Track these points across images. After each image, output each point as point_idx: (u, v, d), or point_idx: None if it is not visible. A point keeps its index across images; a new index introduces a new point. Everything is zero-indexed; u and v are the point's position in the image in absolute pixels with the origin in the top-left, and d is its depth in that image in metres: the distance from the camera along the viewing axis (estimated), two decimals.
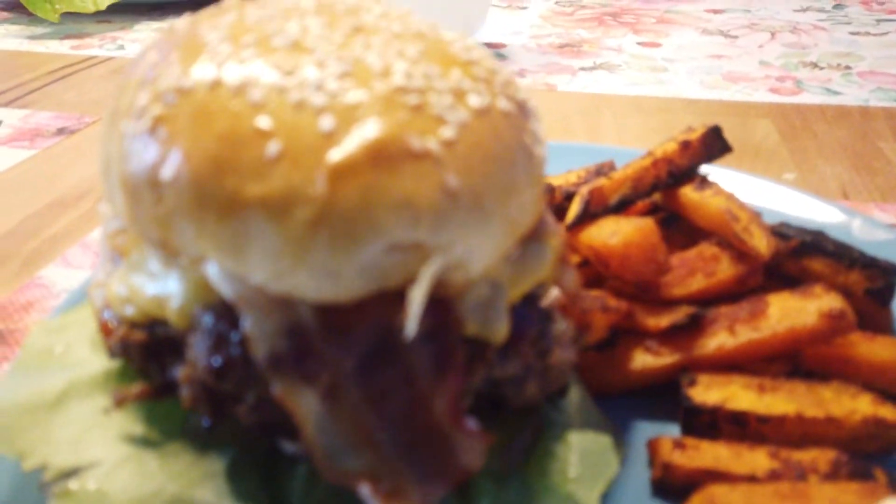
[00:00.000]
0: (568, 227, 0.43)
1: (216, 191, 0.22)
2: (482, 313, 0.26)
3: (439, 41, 0.28)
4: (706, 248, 0.41)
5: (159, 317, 0.27)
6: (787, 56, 1.02)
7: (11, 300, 0.49)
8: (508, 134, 0.26)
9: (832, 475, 0.31)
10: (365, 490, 0.23)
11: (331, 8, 0.28)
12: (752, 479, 0.31)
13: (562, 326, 0.30)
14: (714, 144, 0.46)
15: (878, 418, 0.34)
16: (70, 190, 0.65)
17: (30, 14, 1.14)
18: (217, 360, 0.24)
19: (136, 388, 0.28)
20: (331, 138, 0.22)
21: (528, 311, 0.29)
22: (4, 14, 1.21)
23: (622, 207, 0.44)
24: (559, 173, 0.53)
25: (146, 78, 0.25)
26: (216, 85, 0.24)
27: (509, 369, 0.28)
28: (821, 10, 1.25)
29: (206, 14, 0.27)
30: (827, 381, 0.36)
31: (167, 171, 0.23)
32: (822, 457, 0.32)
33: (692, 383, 0.36)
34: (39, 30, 1.12)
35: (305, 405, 0.24)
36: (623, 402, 0.38)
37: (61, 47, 1.05)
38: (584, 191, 0.43)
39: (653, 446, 0.34)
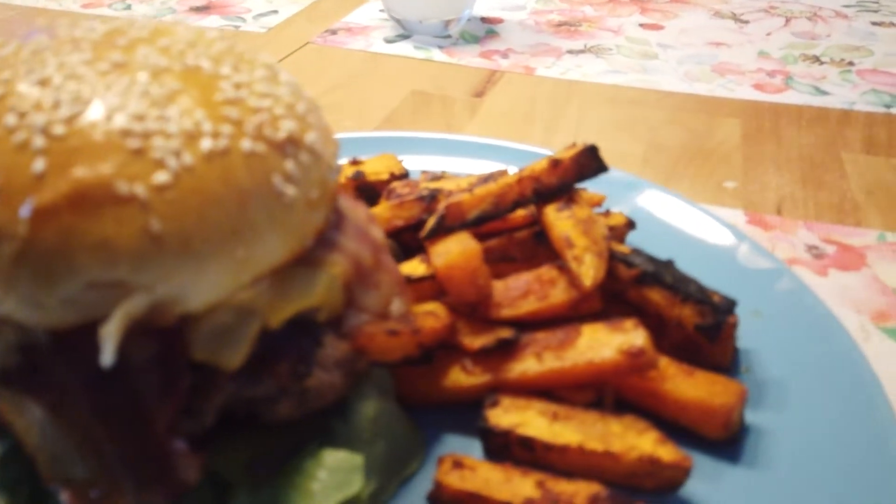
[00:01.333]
0: (423, 239, 0.44)
1: None
2: (217, 339, 0.28)
3: (210, 78, 0.29)
4: (546, 272, 0.41)
5: None
6: (790, 47, 0.97)
7: None
8: (245, 177, 0.27)
9: None
10: (64, 499, 0.26)
11: (111, 40, 0.30)
12: None
13: (332, 350, 0.32)
14: (588, 164, 0.45)
15: (654, 458, 0.34)
16: None
17: None
18: None
19: None
20: (40, 180, 0.25)
21: (287, 335, 0.31)
22: None
23: (481, 222, 0.44)
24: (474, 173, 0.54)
25: None
26: None
27: (259, 390, 0.30)
28: None
29: None
30: (624, 413, 0.37)
31: None
32: (584, 489, 0.33)
33: (494, 404, 0.37)
34: None
35: (29, 416, 0.27)
36: (441, 417, 0.39)
37: (73, 5, 1.10)
38: (441, 205, 0.44)
39: (439, 462, 0.36)
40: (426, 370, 0.39)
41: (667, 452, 0.35)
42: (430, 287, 0.42)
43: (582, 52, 0.96)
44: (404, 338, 0.35)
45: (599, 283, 0.39)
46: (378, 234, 0.39)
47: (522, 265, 0.44)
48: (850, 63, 0.93)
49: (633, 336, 0.37)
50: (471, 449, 0.37)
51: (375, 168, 0.56)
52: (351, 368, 0.33)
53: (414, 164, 0.58)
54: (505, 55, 0.95)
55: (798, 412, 0.38)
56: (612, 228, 0.50)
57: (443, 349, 0.39)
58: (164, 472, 0.27)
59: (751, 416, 0.39)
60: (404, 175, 0.56)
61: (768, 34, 1.03)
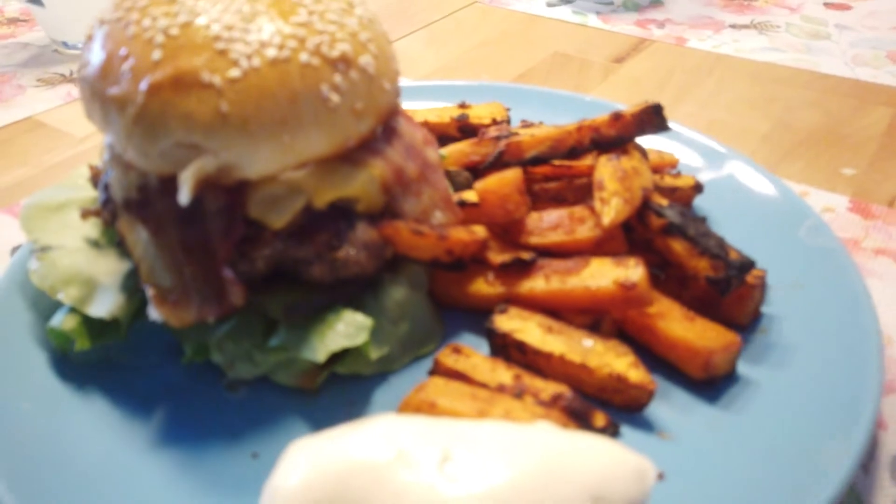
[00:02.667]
0: (482, 170, 0.50)
1: (98, 88, 0.36)
2: (268, 204, 0.37)
3: (292, 5, 0.37)
4: (578, 210, 0.46)
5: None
6: None
7: None
8: (297, 81, 0.36)
9: (547, 403, 0.37)
10: (150, 297, 0.37)
11: None
12: (481, 385, 0.39)
13: (362, 234, 0.40)
14: (650, 121, 0.48)
15: (623, 376, 0.38)
16: None
17: None
18: (105, 194, 0.39)
19: (95, 208, 0.44)
20: (156, 65, 0.35)
21: (327, 215, 0.39)
22: None
23: (537, 163, 0.49)
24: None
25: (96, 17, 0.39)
26: (120, 19, 0.37)
27: (299, 253, 0.39)
28: None
29: None
30: (620, 343, 0.40)
31: (84, 71, 0.37)
32: (551, 388, 0.38)
33: (502, 312, 0.43)
34: None
35: (138, 235, 0.38)
36: (467, 317, 0.46)
37: None
38: (502, 143, 0.49)
39: (447, 348, 0.42)
40: (458, 277, 0.45)
41: (635, 374, 0.38)
42: (478, 212, 0.48)
43: (746, 27, 0.93)
44: (430, 240, 0.42)
45: (618, 224, 0.43)
46: (433, 155, 0.46)
47: (569, 205, 0.49)
48: None
49: (632, 272, 0.40)
50: (480, 346, 0.43)
51: (480, 113, 0.62)
52: (377, 253, 0.41)
53: (520, 114, 0.64)
54: (661, 25, 0.95)
55: (790, 376, 0.40)
56: (678, 189, 0.52)
57: (475, 262, 0.45)
58: (219, 295, 0.37)
59: (746, 370, 0.41)
60: (506, 122, 0.62)
61: None
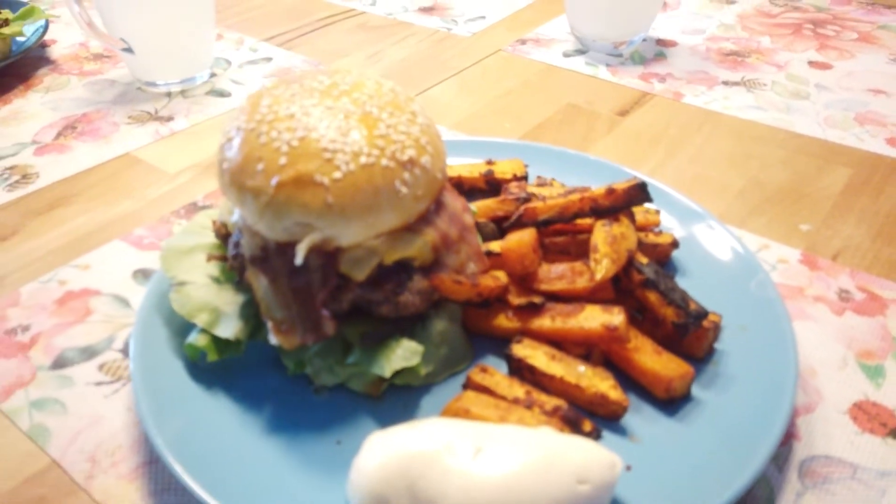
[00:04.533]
0: (505, 228, 0.64)
1: (237, 180, 0.51)
2: (354, 263, 0.52)
3: (375, 120, 0.52)
4: (578, 265, 0.60)
5: (224, 221, 0.57)
6: None
7: None
8: (380, 180, 0.50)
9: (550, 413, 0.52)
10: (270, 327, 0.52)
11: (330, 91, 0.54)
12: (501, 398, 0.53)
13: (418, 283, 0.54)
14: (636, 196, 0.62)
15: (605, 395, 0.53)
16: None
17: None
18: (235, 251, 0.54)
19: (217, 253, 0.59)
20: (282, 167, 0.49)
21: (394, 269, 0.54)
22: None
23: (547, 224, 0.64)
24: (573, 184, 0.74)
25: (232, 118, 0.54)
26: (254, 129, 0.52)
27: (373, 297, 0.54)
28: None
29: (269, 88, 0.55)
30: (602, 369, 0.55)
31: (225, 165, 0.52)
32: (553, 401, 0.53)
33: (518, 342, 0.57)
34: None
35: (259, 282, 0.52)
36: (491, 344, 0.60)
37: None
38: (521, 207, 0.64)
39: (476, 367, 0.57)
40: (485, 312, 0.60)
41: (615, 394, 0.53)
42: (499, 261, 0.62)
43: (736, 84, 1.07)
44: (465, 287, 0.57)
45: (609, 281, 0.57)
46: (468, 219, 0.60)
47: (575, 259, 0.63)
48: None
49: (615, 318, 0.55)
50: (500, 366, 0.58)
51: (503, 169, 0.77)
52: (427, 296, 0.55)
53: (536, 170, 0.78)
54: (662, 79, 1.09)
55: (729, 398, 0.54)
56: (659, 245, 0.67)
57: (498, 301, 0.60)
58: (316, 326, 0.52)
59: (698, 392, 0.55)
60: (524, 177, 0.77)
61: None
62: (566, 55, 1.16)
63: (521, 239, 0.60)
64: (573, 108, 1.01)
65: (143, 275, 0.71)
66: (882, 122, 0.96)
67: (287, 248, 0.51)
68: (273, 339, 0.52)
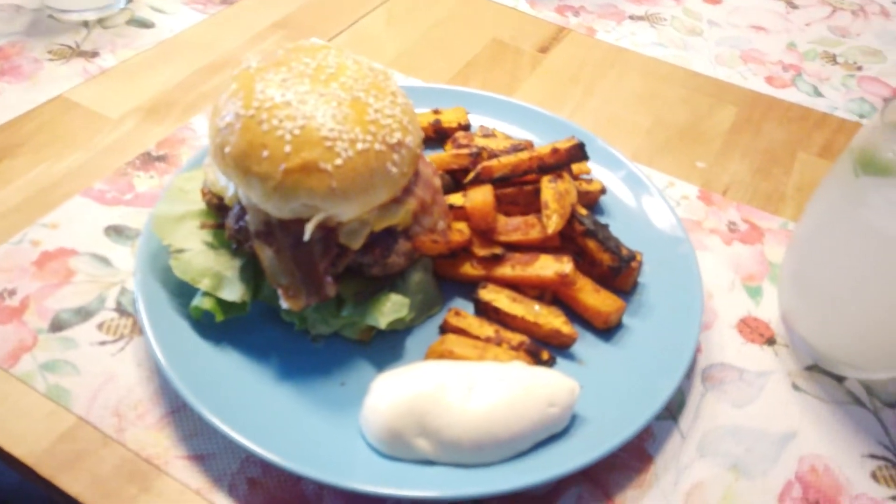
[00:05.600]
0: (464, 184, 0.73)
1: (242, 164, 0.56)
2: (350, 234, 0.59)
3: (363, 105, 0.58)
4: (530, 218, 0.70)
5: (221, 194, 0.62)
6: (818, 42, 1.15)
7: (173, 135, 0.86)
8: (375, 163, 0.57)
9: (516, 347, 0.64)
10: (280, 293, 0.59)
11: (318, 75, 0.58)
12: (476, 338, 0.64)
13: (402, 245, 0.63)
14: (576, 154, 0.73)
15: (558, 329, 0.65)
16: (220, 56, 0.99)
17: None
18: (237, 222, 0.60)
19: (210, 221, 0.64)
20: (287, 155, 0.55)
21: (381, 235, 0.62)
22: None
23: (502, 181, 0.73)
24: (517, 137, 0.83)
25: (226, 101, 0.58)
26: (253, 116, 0.56)
27: (365, 259, 0.62)
28: None
29: (258, 70, 0.59)
30: (554, 307, 0.67)
31: (227, 149, 0.57)
32: (518, 338, 0.64)
33: (483, 287, 0.68)
34: None
35: (265, 253, 0.59)
36: (457, 288, 0.70)
37: None
38: (479, 166, 0.72)
39: (449, 312, 0.67)
40: (452, 261, 0.70)
41: (566, 328, 0.65)
42: (462, 213, 0.71)
43: (641, 18, 1.16)
44: (441, 245, 0.66)
45: (558, 232, 0.68)
46: (437, 182, 0.68)
47: (524, 209, 0.73)
48: (859, 67, 1.10)
49: (565, 266, 0.66)
50: (466, 307, 0.69)
51: (449, 118, 0.84)
52: (410, 256, 0.64)
53: (477, 117, 0.86)
54: (577, 13, 1.16)
55: (652, 323, 0.68)
56: (589, 192, 0.78)
57: (463, 251, 0.70)
58: (319, 289, 0.60)
59: (628, 321, 0.69)
60: (467, 126, 0.84)
61: (807, 24, 1.19)
62: None
63: (485, 199, 0.69)
64: (499, 45, 1.07)
65: (115, 231, 0.74)
66: (761, 61, 1.10)
67: (290, 224, 0.58)
68: (284, 304, 0.59)
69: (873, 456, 0.63)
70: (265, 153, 0.55)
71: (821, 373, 0.69)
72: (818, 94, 1.05)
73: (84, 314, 0.67)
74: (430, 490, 0.54)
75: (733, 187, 0.88)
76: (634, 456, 0.61)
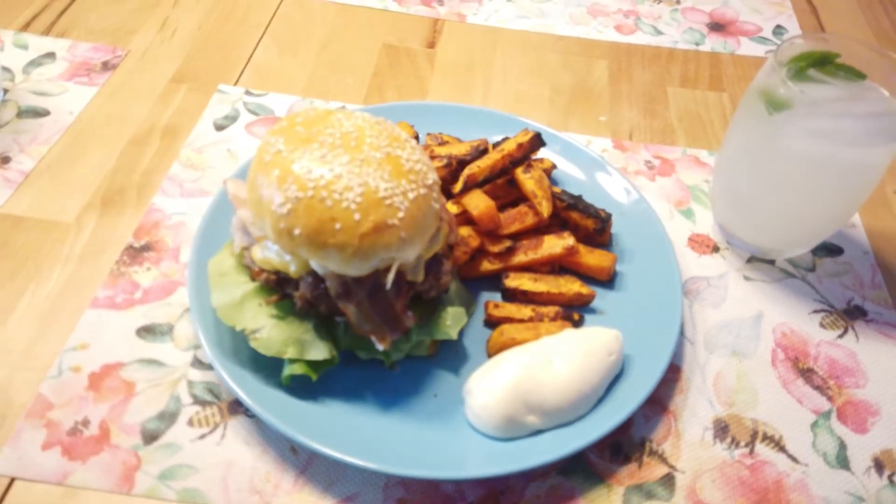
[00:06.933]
0: (456, 194, 0.83)
1: (316, 241, 0.62)
2: (414, 270, 0.68)
3: (396, 158, 0.66)
4: (522, 208, 0.82)
5: (282, 270, 0.67)
6: None
7: (144, 221, 0.86)
8: (424, 205, 0.65)
9: (553, 318, 0.77)
10: (372, 338, 0.66)
11: (347, 143, 0.65)
12: (521, 321, 0.76)
13: (446, 266, 0.72)
14: (537, 143, 0.85)
15: (579, 292, 0.79)
16: (139, 127, 0.97)
17: None
18: (315, 290, 0.66)
19: (273, 297, 0.69)
20: (358, 222, 0.62)
21: (431, 262, 0.71)
22: None
23: (485, 183, 0.84)
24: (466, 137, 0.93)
25: (274, 188, 0.63)
26: (313, 196, 0.62)
27: (423, 287, 0.70)
28: None
29: (289, 151, 0.64)
30: (566, 275, 0.80)
31: (296, 231, 0.62)
32: (551, 311, 0.77)
33: (507, 276, 0.79)
34: None
35: (349, 308, 0.66)
36: (480, 283, 0.81)
37: None
38: (465, 173, 0.82)
39: (486, 304, 0.78)
40: (472, 263, 0.80)
41: (584, 289, 0.79)
42: (461, 219, 0.81)
43: None
44: (467, 253, 0.76)
45: (550, 213, 0.81)
46: (443, 199, 0.78)
47: (504, 200, 0.85)
48: (678, 1, 1.32)
49: (568, 240, 0.80)
50: (494, 298, 0.80)
51: None
52: (452, 273, 0.74)
53: (422, 127, 0.95)
54: (440, 1, 1.26)
55: (638, 265, 0.84)
56: (544, 169, 0.91)
57: (478, 252, 0.80)
58: (400, 324, 0.68)
59: (620, 267, 0.84)
60: (417, 138, 0.93)
61: None
62: None
63: (487, 203, 0.79)
64: (391, 49, 1.15)
65: (146, 331, 0.75)
66: (605, 13, 1.28)
67: (365, 278, 0.65)
68: (379, 346, 0.67)
69: (815, 311, 0.85)
70: (337, 225, 0.62)
71: (758, 261, 0.89)
72: (659, 32, 1.25)
73: (168, 417, 0.69)
74: (552, 454, 0.66)
75: (635, 131, 1.06)
76: (668, 370, 0.77)
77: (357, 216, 0.62)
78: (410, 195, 0.65)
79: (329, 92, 1.06)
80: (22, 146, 0.92)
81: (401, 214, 0.64)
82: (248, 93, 1.04)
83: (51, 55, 1.06)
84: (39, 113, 0.97)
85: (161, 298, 0.78)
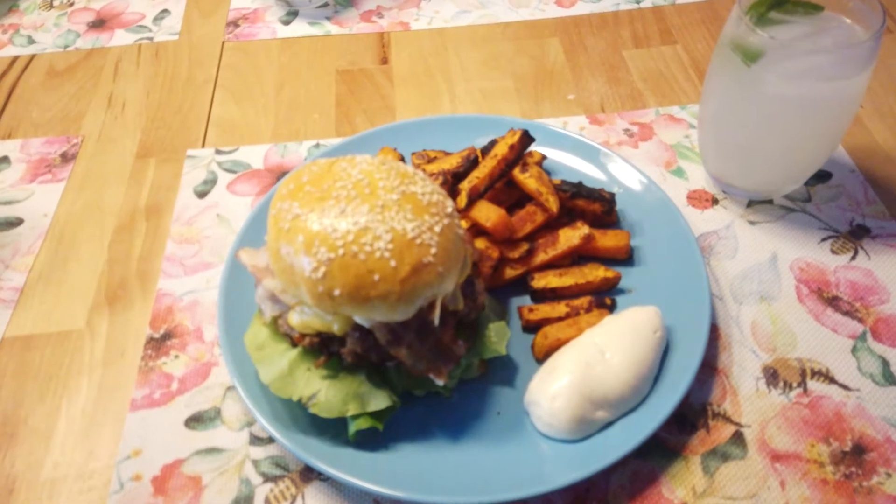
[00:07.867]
0: (462, 209, 0.83)
1: (358, 297, 0.62)
2: (453, 300, 0.68)
3: (412, 195, 0.65)
4: (530, 207, 0.83)
5: (325, 330, 0.67)
6: None
7: (157, 311, 0.84)
8: (452, 235, 0.65)
9: (588, 309, 0.78)
10: (433, 377, 0.66)
11: (362, 191, 0.64)
12: (559, 319, 0.77)
13: (479, 285, 0.73)
14: (526, 142, 0.85)
15: (605, 277, 0.80)
16: (121, 216, 0.93)
17: None
18: (364, 343, 0.65)
19: (320, 359, 0.68)
20: (395, 269, 0.61)
21: (465, 285, 0.71)
22: None
23: (486, 191, 0.84)
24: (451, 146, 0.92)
25: (302, 253, 0.62)
26: (345, 254, 0.61)
27: (463, 311, 0.71)
28: None
29: (308, 211, 0.63)
30: (587, 262, 0.81)
31: (336, 292, 0.62)
32: (584, 302, 0.78)
33: (532, 278, 0.80)
34: None
35: (401, 352, 0.66)
36: (507, 290, 0.82)
37: None
38: (466, 186, 0.82)
39: (520, 310, 0.79)
40: (495, 274, 0.81)
41: (609, 273, 0.80)
42: (472, 231, 0.82)
43: None
44: (491, 265, 0.76)
45: (559, 207, 0.82)
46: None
47: (506, 202, 0.85)
48: None
49: (583, 229, 0.80)
50: (525, 301, 0.81)
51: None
52: (485, 290, 0.74)
53: (404, 147, 0.94)
54: (380, 14, 1.24)
55: (650, 238, 0.85)
56: (536, 161, 0.92)
57: (500, 261, 0.81)
58: (452, 355, 0.68)
59: (634, 242, 0.85)
60: (402, 160, 0.93)
61: None
62: (285, 23, 1.23)
63: (499, 213, 0.80)
64: (346, 74, 1.13)
65: (195, 421, 0.74)
66: None
67: (410, 321, 0.65)
68: (439, 382, 0.67)
69: (823, 239, 0.88)
70: (376, 277, 0.61)
71: (757, 204, 0.92)
72: None
73: (245, 502, 0.68)
74: (629, 443, 0.67)
75: (606, 103, 1.07)
76: None
77: (393, 263, 0.62)
78: (437, 228, 0.65)
79: (299, 132, 1.04)
80: (6, 262, 0.89)
81: (434, 250, 0.63)
82: (218, 151, 1.01)
83: (5, 160, 1.01)
84: (12, 223, 0.93)
85: (198, 384, 0.77)
